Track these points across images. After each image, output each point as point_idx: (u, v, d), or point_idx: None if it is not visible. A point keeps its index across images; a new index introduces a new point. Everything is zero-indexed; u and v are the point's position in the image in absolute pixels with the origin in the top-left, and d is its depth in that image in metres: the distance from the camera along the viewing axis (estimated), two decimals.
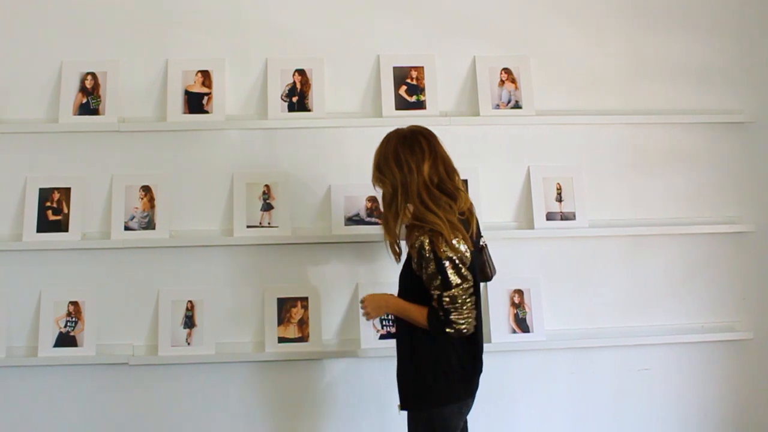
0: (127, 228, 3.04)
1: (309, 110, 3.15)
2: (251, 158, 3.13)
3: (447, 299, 2.36)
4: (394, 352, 2.57)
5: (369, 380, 3.08)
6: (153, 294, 3.06)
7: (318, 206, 3.13)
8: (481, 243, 2.67)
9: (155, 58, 3.15)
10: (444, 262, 2.35)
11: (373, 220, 3.09)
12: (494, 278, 3.10)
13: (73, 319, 3.01)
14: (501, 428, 3.20)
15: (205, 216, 3.11)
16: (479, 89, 3.23)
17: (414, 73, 3.21)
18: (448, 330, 2.37)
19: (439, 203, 2.40)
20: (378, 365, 3.07)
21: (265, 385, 3.09)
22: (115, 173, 3.09)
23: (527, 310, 3.17)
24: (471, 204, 2.54)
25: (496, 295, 3.16)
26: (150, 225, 3.06)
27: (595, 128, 3.29)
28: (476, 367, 2.51)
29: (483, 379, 3.07)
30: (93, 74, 3.12)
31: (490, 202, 3.20)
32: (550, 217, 3.21)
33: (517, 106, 3.24)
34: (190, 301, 3.05)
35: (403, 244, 2.58)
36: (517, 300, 3.17)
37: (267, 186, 3.10)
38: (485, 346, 3.03)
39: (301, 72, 3.17)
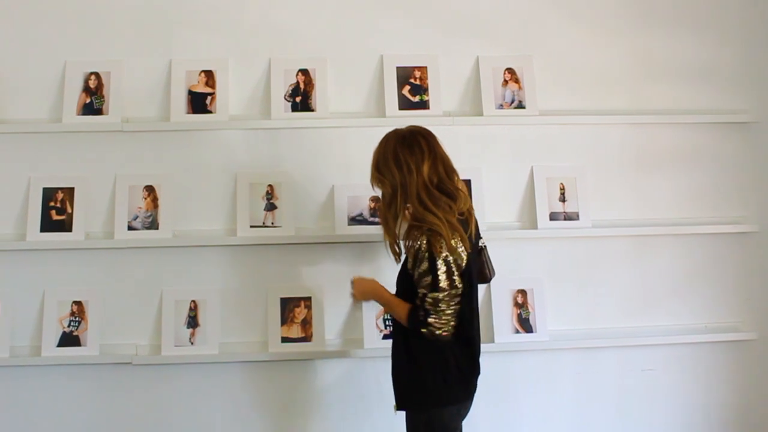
0: (130, 228, 3.05)
1: (312, 110, 3.15)
2: (254, 158, 3.13)
3: (430, 300, 2.36)
4: None
5: (372, 380, 3.08)
6: (156, 294, 3.06)
7: (321, 206, 3.13)
8: (480, 244, 2.67)
9: (159, 58, 3.16)
10: (438, 262, 2.34)
11: (377, 220, 3.09)
12: (497, 278, 3.10)
13: (77, 319, 3.02)
14: (504, 428, 3.19)
15: (209, 216, 3.11)
16: (482, 89, 3.22)
17: (417, 73, 3.21)
18: (423, 330, 2.38)
19: (438, 204, 2.39)
20: (381, 365, 3.06)
21: (268, 384, 3.09)
22: (118, 173, 3.09)
23: (530, 310, 3.16)
24: (470, 205, 2.53)
25: (499, 296, 3.16)
26: (153, 225, 3.06)
27: (599, 128, 3.29)
28: (474, 368, 2.51)
29: (486, 379, 3.07)
30: (97, 74, 3.12)
31: (494, 202, 3.20)
32: (553, 217, 3.21)
33: (520, 106, 3.23)
34: (194, 301, 3.05)
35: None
36: (520, 300, 3.16)
37: (270, 186, 3.10)
38: (488, 346, 3.09)
39: (304, 72, 3.17)
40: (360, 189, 3.08)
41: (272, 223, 3.08)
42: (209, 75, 3.15)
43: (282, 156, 3.14)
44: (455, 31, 3.27)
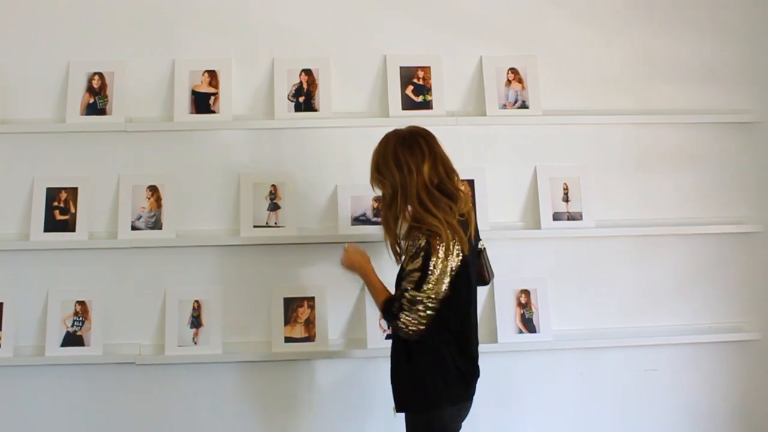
0: (134, 228, 3.05)
1: (316, 110, 3.15)
2: (258, 158, 3.13)
3: (409, 297, 2.35)
4: None
5: (375, 380, 3.08)
6: (160, 294, 3.06)
7: (324, 206, 3.14)
8: (479, 246, 2.67)
9: (162, 58, 3.16)
10: (431, 262, 2.34)
11: (379, 220, 3.08)
12: (501, 278, 3.12)
13: (80, 319, 3.02)
14: (507, 428, 3.19)
15: (212, 216, 3.11)
16: (486, 89, 3.22)
17: (421, 73, 3.21)
18: (391, 322, 2.40)
19: (438, 205, 2.39)
20: (385, 365, 3.02)
21: (271, 384, 3.09)
22: (122, 173, 3.09)
23: (534, 310, 3.16)
24: (471, 206, 2.53)
25: (502, 296, 3.15)
26: (157, 225, 3.06)
27: (603, 128, 3.28)
28: (473, 370, 2.50)
29: (489, 379, 3.08)
30: (100, 74, 3.13)
31: (497, 202, 3.19)
32: (556, 217, 3.20)
33: (523, 106, 3.23)
34: (197, 301, 3.05)
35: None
36: (523, 300, 3.16)
37: (274, 186, 3.11)
38: (491, 346, 3.10)
39: (307, 72, 3.17)
40: (363, 189, 3.06)
41: (275, 223, 3.08)
42: (212, 75, 3.15)
43: (285, 156, 3.14)
44: (458, 31, 3.27)
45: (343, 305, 3.10)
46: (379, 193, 2.56)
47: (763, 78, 3.41)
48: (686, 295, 3.30)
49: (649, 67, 3.36)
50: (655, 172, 3.32)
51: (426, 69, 3.21)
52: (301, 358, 3.06)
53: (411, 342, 2.42)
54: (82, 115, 3.10)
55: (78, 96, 3.11)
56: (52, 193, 3.06)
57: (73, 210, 3.05)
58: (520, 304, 3.16)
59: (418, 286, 2.35)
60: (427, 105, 3.19)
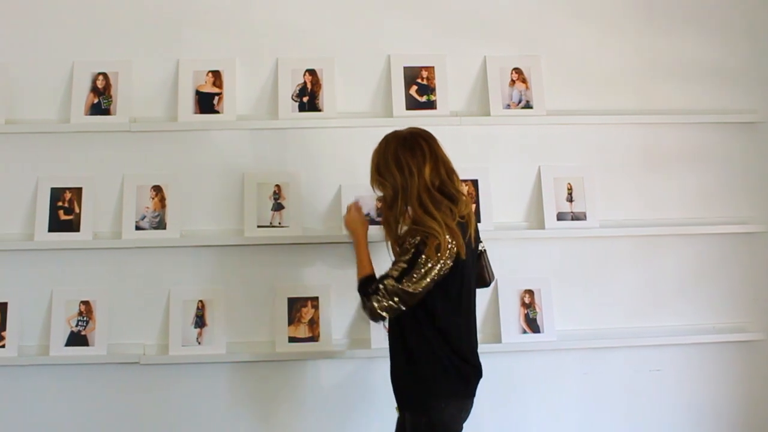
0: (138, 228, 3.05)
1: (320, 110, 3.15)
2: (262, 158, 3.13)
3: (387, 284, 2.37)
4: None
5: (379, 380, 3.06)
6: (164, 293, 3.06)
7: (329, 206, 3.13)
8: (479, 248, 2.67)
9: (166, 58, 3.16)
10: (420, 260, 2.35)
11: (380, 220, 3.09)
12: (505, 278, 3.13)
13: (85, 319, 3.02)
14: (510, 428, 3.19)
15: (216, 216, 3.11)
16: (490, 89, 3.22)
17: (424, 73, 3.21)
18: (362, 299, 2.46)
19: (439, 207, 2.39)
20: (388, 365, 3.05)
21: (275, 384, 3.09)
22: (126, 173, 3.10)
23: (538, 310, 3.16)
24: (471, 209, 2.53)
25: (506, 296, 3.15)
26: (161, 225, 3.06)
27: (607, 128, 3.28)
28: (475, 371, 2.50)
29: (493, 379, 3.08)
30: (104, 74, 3.13)
31: (501, 202, 3.19)
32: (560, 217, 3.20)
33: (527, 106, 3.23)
34: (201, 301, 3.05)
35: None
36: (527, 300, 3.16)
37: (278, 186, 3.11)
38: (495, 346, 3.11)
39: (311, 72, 3.17)
40: (367, 189, 3.04)
41: (279, 223, 3.09)
42: (216, 75, 3.15)
43: (289, 156, 3.14)
44: (462, 31, 3.27)
45: (347, 305, 3.10)
46: (380, 194, 2.57)
47: (767, 78, 3.40)
48: (690, 295, 3.30)
49: (653, 67, 3.36)
50: (659, 172, 3.31)
51: (430, 69, 3.21)
52: (305, 358, 3.06)
53: (410, 342, 2.44)
54: (86, 115, 3.10)
55: (82, 96, 3.11)
56: (56, 193, 3.06)
57: (77, 210, 3.05)
58: (523, 304, 3.16)
59: (399, 278, 2.37)
60: (431, 105, 3.19)
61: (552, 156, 3.25)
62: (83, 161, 3.09)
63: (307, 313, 3.07)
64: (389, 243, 2.56)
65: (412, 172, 2.42)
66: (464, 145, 3.17)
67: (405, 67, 3.20)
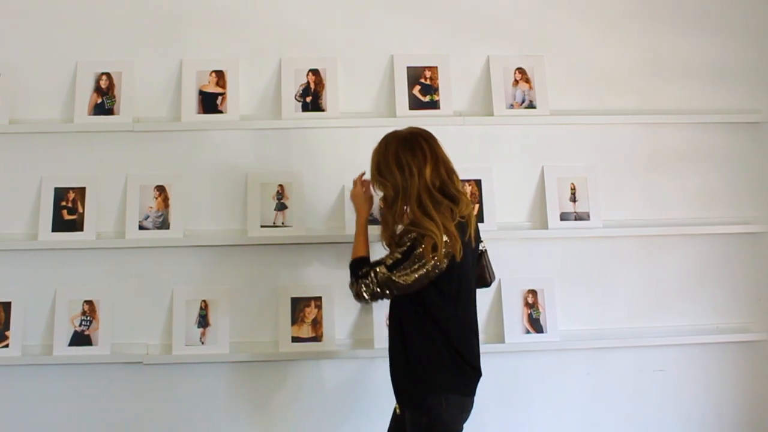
0: (141, 227, 3.05)
1: (323, 110, 3.15)
2: (265, 158, 3.14)
3: (379, 272, 2.40)
4: None
5: (382, 380, 3.05)
6: (167, 293, 3.07)
7: (332, 206, 3.13)
8: (480, 248, 2.67)
9: (169, 58, 3.16)
10: (414, 255, 2.36)
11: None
12: (508, 278, 3.13)
13: (88, 318, 3.02)
14: (514, 428, 3.19)
15: (219, 216, 3.12)
16: (493, 89, 3.22)
17: (428, 73, 3.21)
18: (352, 279, 2.49)
19: (439, 208, 2.40)
20: None
21: (278, 384, 3.09)
22: (129, 173, 3.10)
23: (541, 310, 3.16)
24: (472, 210, 2.53)
25: (509, 296, 3.15)
26: (164, 224, 3.06)
27: (610, 128, 3.28)
28: (474, 369, 2.49)
29: (496, 379, 3.10)
30: (108, 74, 3.13)
31: (504, 202, 3.19)
32: (564, 217, 3.20)
33: (531, 105, 3.23)
34: (204, 301, 3.05)
35: None
36: (530, 300, 3.16)
37: (281, 186, 3.11)
38: (499, 346, 3.10)
39: (314, 72, 3.17)
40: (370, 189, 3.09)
41: (283, 223, 3.09)
42: (220, 75, 3.15)
43: (292, 156, 3.15)
44: (466, 31, 3.27)
45: (351, 305, 3.08)
46: (377, 193, 2.58)
47: None
48: (693, 296, 3.30)
49: (656, 67, 3.36)
50: (662, 172, 3.31)
51: (433, 69, 3.21)
52: (308, 358, 3.06)
53: (409, 338, 2.45)
54: (89, 115, 3.10)
55: (86, 96, 3.11)
56: (60, 193, 3.07)
57: (80, 210, 3.06)
58: (527, 304, 3.16)
59: (391, 267, 2.39)
60: (434, 105, 3.19)
61: (555, 156, 3.25)
62: (87, 161, 3.10)
63: (311, 313, 3.08)
64: (385, 242, 2.57)
65: (413, 172, 2.42)
66: (467, 145, 3.18)
67: (408, 67, 3.21)
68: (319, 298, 3.08)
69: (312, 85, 3.17)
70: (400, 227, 2.51)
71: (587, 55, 3.32)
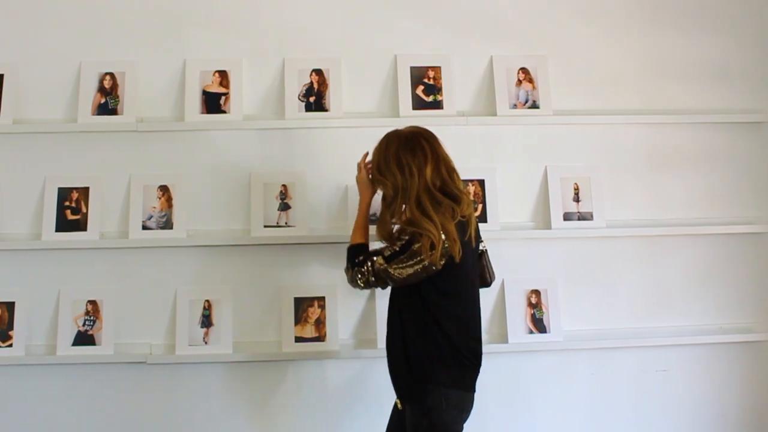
0: (144, 227, 3.06)
1: (326, 110, 3.15)
2: (268, 158, 3.14)
3: (375, 263, 2.43)
4: None
5: (385, 380, 3.04)
6: (170, 293, 3.07)
7: (335, 206, 3.14)
8: (480, 248, 2.67)
9: (173, 58, 3.17)
10: (413, 247, 2.37)
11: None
12: (511, 278, 3.12)
13: (92, 318, 3.03)
14: (517, 429, 3.18)
15: (223, 216, 3.12)
16: (496, 89, 3.22)
17: (431, 73, 3.21)
18: (347, 265, 2.53)
19: (438, 208, 2.40)
20: None
21: (281, 384, 3.09)
22: (133, 173, 3.10)
23: (544, 310, 3.16)
24: (473, 208, 2.54)
25: (513, 296, 3.15)
26: (168, 224, 3.07)
27: (613, 128, 3.28)
28: (473, 361, 2.49)
29: (499, 379, 3.10)
30: (111, 74, 3.14)
31: (507, 202, 3.19)
32: (567, 217, 3.20)
33: (534, 105, 3.23)
34: (208, 301, 3.06)
35: None
36: (534, 300, 3.16)
37: (284, 186, 3.11)
38: (502, 346, 3.10)
39: (318, 72, 3.18)
40: (375, 197, 3.08)
41: (286, 223, 3.09)
42: (223, 75, 3.15)
43: (296, 156, 3.15)
44: (469, 31, 3.27)
45: (354, 305, 3.11)
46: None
47: None
48: (697, 296, 3.29)
49: (659, 67, 3.36)
50: (665, 172, 3.31)
51: (436, 69, 3.21)
52: (312, 358, 3.06)
53: (408, 333, 2.47)
54: (93, 115, 3.11)
55: (89, 96, 3.12)
56: (63, 193, 3.07)
57: (84, 210, 3.06)
58: (530, 305, 3.16)
59: (388, 259, 2.42)
60: (437, 105, 3.19)
61: (558, 156, 3.25)
62: (90, 161, 3.10)
63: (314, 312, 3.08)
64: (381, 239, 2.57)
65: (413, 172, 2.43)
66: (471, 145, 3.18)
67: (411, 67, 3.21)
68: (322, 298, 3.08)
69: (315, 85, 3.17)
70: (397, 226, 2.52)
71: (590, 56, 3.32)
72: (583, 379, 3.21)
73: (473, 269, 2.55)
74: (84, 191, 3.08)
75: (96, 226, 3.05)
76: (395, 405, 2.60)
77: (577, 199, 3.22)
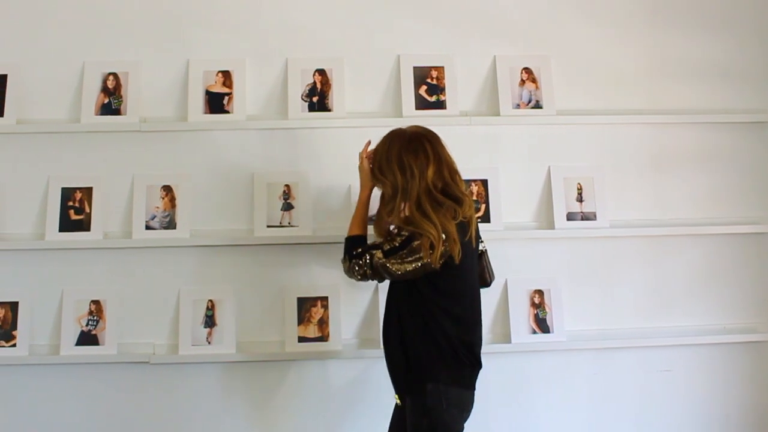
0: (148, 227, 3.06)
1: (329, 110, 3.15)
2: (272, 158, 3.14)
3: (374, 256, 2.43)
4: None
5: (389, 380, 3.06)
6: (174, 293, 3.07)
7: (338, 206, 3.14)
8: (480, 248, 2.67)
9: (176, 58, 3.17)
10: (413, 243, 2.37)
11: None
12: (514, 278, 3.12)
13: (95, 318, 3.03)
14: (520, 429, 3.18)
15: (226, 215, 3.12)
16: (500, 89, 3.22)
17: (434, 73, 3.21)
18: (344, 255, 2.53)
19: (439, 210, 2.40)
20: None
21: (284, 384, 3.09)
22: (136, 173, 3.10)
23: (547, 310, 3.15)
24: (474, 210, 2.54)
25: (516, 296, 3.15)
26: (171, 224, 3.07)
27: (616, 128, 3.28)
28: (472, 360, 2.48)
29: (502, 379, 3.10)
30: (115, 74, 3.14)
31: (511, 202, 3.19)
32: (570, 217, 3.20)
33: (537, 105, 3.23)
34: (211, 301, 3.06)
35: None
36: (537, 300, 3.16)
37: (287, 186, 3.11)
38: (505, 346, 3.10)
39: (321, 72, 3.18)
40: (376, 189, 3.08)
41: (289, 223, 3.09)
42: (226, 75, 3.15)
43: (299, 156, 3.15)
44: (472, 31, 3.27)
45: (357, 305, 3.11)
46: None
47: None
48: (700, 296, 3.29)
49: (662, 67, 3.35)
50: (668, 172, 3.31)
51: (439, 69, 3.21)
52: (315, 357, 3.06)
53: (407, 328, 2.47)
54: (96, 115, 3.11)
55: (93, 96, 3.12)
56: (67, 193, 3.07)
57: (87, 210, 3.06)
58: (533, 304, 3.16)
59: (387, 253, 2.42)
60: (440, 105, 3.19)
61: (562, 156, 3.25)
62: (94, 161, 3.10)
63: (317, 312, 3.08)
64: (377, 236, 2.58)
65: (414, 174, 2.43)
66: (474, 145, 3.17)
67: (414, 67, 3.20)
68: (325, 298, 3.08)
69: (318, 85, 3.17)
70: (393, 226, 2.53)
71: (594, 55, 3.32)
72: (586, 379, 3.21)
73: (473, 270, 2.55)
74: (87, 191, 3.08)
75: (99, 226, 3.05)
76: (396, 405, 2.60)
77: (580, 199, 3.21)
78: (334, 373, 3.11)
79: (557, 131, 3.25)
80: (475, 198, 3.13)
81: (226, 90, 3.15)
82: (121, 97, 3.12)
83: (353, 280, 2.57)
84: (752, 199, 3.35)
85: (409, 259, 2.39)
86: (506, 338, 3.13)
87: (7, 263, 3.04)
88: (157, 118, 3.14)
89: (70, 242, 3.03)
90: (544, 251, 3.20)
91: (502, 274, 3.07)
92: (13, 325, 3.01)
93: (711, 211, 3.32)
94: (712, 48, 3.39)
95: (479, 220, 3.07)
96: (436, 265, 2.39)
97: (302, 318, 3.07)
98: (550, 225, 3.20)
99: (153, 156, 3.11)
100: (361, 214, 2.62)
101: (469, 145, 3.12)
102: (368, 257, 2.45)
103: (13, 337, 3.00)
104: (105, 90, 3.13)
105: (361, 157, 2.69)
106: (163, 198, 3.08)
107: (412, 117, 3.09)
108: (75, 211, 3.06)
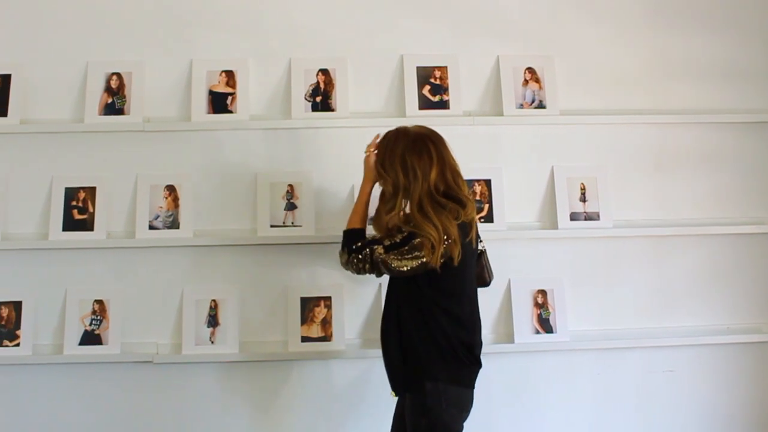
0: (151, 227, 3.06)
1: (332, 110, 3.15)
2: (275, 158, 3.14)
3: (375, 252, 2.44)
4: None
5: None
6: (177, 293, 3.07)
7: (341, 206, 3.13)
8: (479, 248, 2.67)
9: (180, 58, 3.17)
10: (414, 241, 2.37)
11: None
12: (518, 278, 3.12)
13: (98, 318, 3.03)
14: (524, 428, 3.18)
15: (229, 215, 3.12)
16: (503, 89, 3.22)
17: (437, 73, 3.21)
18: (345, 249, 2.52)
19: (441, 212, 2.40)
20: None
21: (287, 384, 3.09)
22: (139, 173, 3.11)
23: (551, 310, 3.15)
24: (475, 212, 2.54)
25: (519, 296, 3.15)
26: (174, 224, 3.07)
27: (620, 128, 3.28)
28: (471, 359, 2.48)
29: (506, 379, 3.10)
30: (118, 74, 3.14)
31: (514, 202, 3.19)
32: (574, 217, 3.20)
33: (541, 105, 3.23)
34: (214, 300, 3.06)
35: None
36: (540, 300, 3.16)
37: (290, 185, 3.11)
38: (508, 346, 3.10)
39: (324, 72, 3.18)
40: (379, 189, 3.08)
41: (292, 223, 3.09)
42: (230, 75, 3.16)
43: (302, 156, 3.15)
44: (475, 31, 3.27)
45: (360, 305, 3.11)
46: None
47: None
48: (704, 296, 3.29)
49: (666, 67, 3.35)
50: (672, 172, 3.30)
51: (443, 69, 3.21)
52: (318, 357, 3.06)
53: (405, 326, 2.47)
54: (100, 115, 3.11)
55: (96, 96, 3.12)
56: (70, 193, 3.07)
57: (91, 209, 3.07)
58: (536, 305, 3.15)
59: (388, 249, 2.42)
60: (444, 105, 3.19)
61: (565, 156, 3.24)
62: (97, 161, 3.11)
63: (320, 312, 3.08)
64: (376, 232, 2.59)
65: (417, 176, 2.43)
66: (477, 145, 3.17)
67: (418, 67, 3.21)
68: (328, 298, 3.08)
69: (322, 85, 3.17)
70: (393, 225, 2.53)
71: (597, 55, 3.32)
72: (590, 379, 3.20)
73: (471, 269, 2.56)
74: (91, 191, 3.08)
75: (103, 226, 3.06)
76: (397, 405, 2.60)
77: (583, 199, 3.21)
78: (338, 373, 3.11)
79: (560, 131, 3.25)
80: (478, 198, 3.13)
81: (229, 90, 3.15)
82: (124, 96, 3.13)
83: (354, 276, 2.58)
84: (755, 199, 3.34)
85: (410, 256, 2.39)
86: (509, 338, 3.13)
87: (10, 263, 3.05)
88: (161, 118, 3.14)
89: (74, 242, 3.03)
90: (547, 251, 3.20)
91: (505, 274, 3.07)
92: (17, 325, 3.01)
93: (714, 211, 3.32)
94: (715, 48, 3.39)
95: (482, 220, 3.08)
96: (436, 264, 2.39)
97: (305, 318, 3.07)
98: (553, 225, 3.20)
99: (156, 156, 3.12)
100: (362, 208, 2.62)
101: (472, 145, 3.13)
102: (368, 252, 2.46)
103: (17, 337, 3.00)
104: (108, 90, 3.13)
105: (368, 150, 2.69)
106: (166, 198, 3.09)
107: (416, 117, 3.09)
108: (78, 210, 3.07)
